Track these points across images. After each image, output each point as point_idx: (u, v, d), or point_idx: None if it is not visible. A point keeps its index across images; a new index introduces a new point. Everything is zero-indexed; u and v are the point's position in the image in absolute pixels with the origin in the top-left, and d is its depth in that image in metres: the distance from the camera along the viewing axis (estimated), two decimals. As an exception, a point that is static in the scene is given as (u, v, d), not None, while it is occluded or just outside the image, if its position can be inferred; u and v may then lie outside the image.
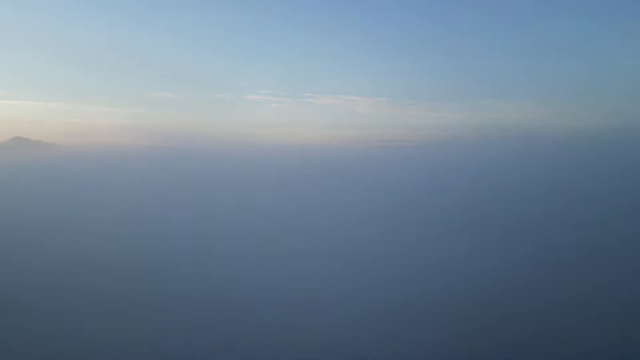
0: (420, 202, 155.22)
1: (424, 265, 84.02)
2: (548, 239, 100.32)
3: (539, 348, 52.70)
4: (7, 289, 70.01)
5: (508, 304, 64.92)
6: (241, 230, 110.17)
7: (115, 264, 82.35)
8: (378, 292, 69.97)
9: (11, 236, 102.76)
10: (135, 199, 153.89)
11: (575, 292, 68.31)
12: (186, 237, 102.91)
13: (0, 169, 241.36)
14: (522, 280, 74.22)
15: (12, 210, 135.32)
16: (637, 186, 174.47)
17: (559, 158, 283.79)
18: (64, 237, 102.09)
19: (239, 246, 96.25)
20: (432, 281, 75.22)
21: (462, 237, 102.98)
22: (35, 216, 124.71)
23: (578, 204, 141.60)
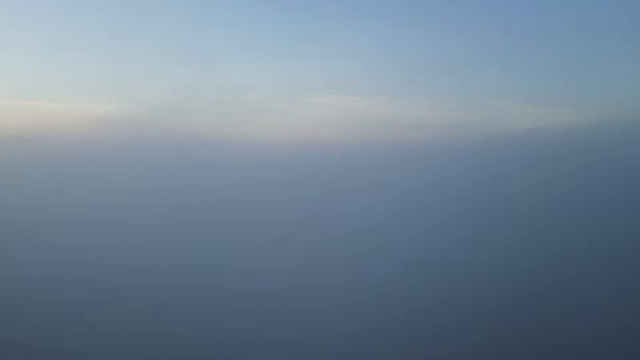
0: (421, 201, 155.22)
1: (425, 265, 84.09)
2: (550, 237, 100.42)
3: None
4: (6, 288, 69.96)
5: (517, 304, 64.89)
6: (240, 230, 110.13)
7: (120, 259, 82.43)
8: (380, 293, 69.97)
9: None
10: (131, 196, 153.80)
11: (582, 293, 68.33)
12: (186, 235, 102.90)
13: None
14: (527, 281, 74.19)
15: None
16: (637, 185, 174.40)
17: (558, 157, 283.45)
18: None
19: (239, 245, 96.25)
20: (433, 281, 75.25)
21: (462, 237, 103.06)
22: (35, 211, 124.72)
23: (578, 203, 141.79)
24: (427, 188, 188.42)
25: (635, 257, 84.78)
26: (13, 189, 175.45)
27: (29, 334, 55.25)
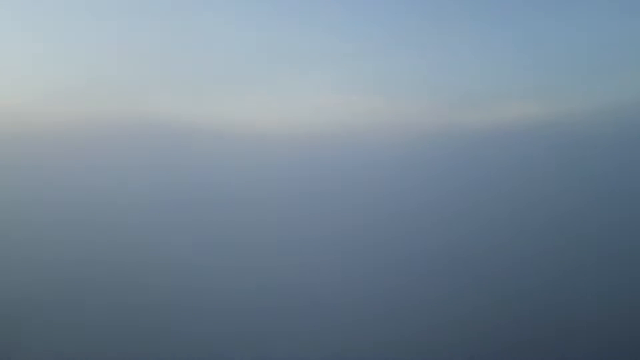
0: (421, 201, 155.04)
1: (425, 263, 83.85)
2: (552, 236, 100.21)
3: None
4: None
5: (515, 305, 64.58)
6: (240, 230, 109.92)
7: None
8: (379, 291, 69.66)
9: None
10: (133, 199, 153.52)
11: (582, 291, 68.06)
12: (185, 236, 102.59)
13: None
14: (528, 280, 73.92)
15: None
16: (636, 183, 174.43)
17: (559, 156, 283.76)
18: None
19: (239, 246, 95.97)
20: (433, 279, 74.96)
21: (463, 236, 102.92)
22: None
23: (578, 202, 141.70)
24: (427, 187, 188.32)
25: (633, 253, 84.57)
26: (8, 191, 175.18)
27: (29, 335, 54.85)
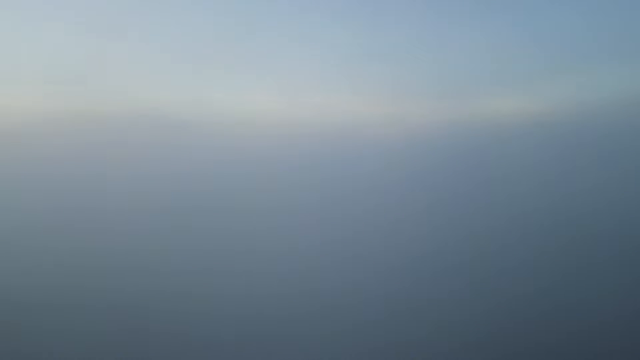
0: (421, 200, 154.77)
1: (426, 264, 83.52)
2: (551, 235, 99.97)
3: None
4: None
5: (512, 305, 64.31)
6: (239, 230, 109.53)
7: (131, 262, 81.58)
8: (381, 289, 69.31)
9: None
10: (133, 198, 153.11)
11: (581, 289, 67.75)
12: (184, 238, 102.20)
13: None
14: (527, 278, 73.63)
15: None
16: (636, 182, 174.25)
17: (558, 155, 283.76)
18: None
19: (238, 247, 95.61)
20: (433, 278, 74.63)
21: (463, 235, 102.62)
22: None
23: (578, 201, 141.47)
24: (427, 186, 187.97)
25: (633, 252, 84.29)
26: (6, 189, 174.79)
27: (29, 336, 54.49)
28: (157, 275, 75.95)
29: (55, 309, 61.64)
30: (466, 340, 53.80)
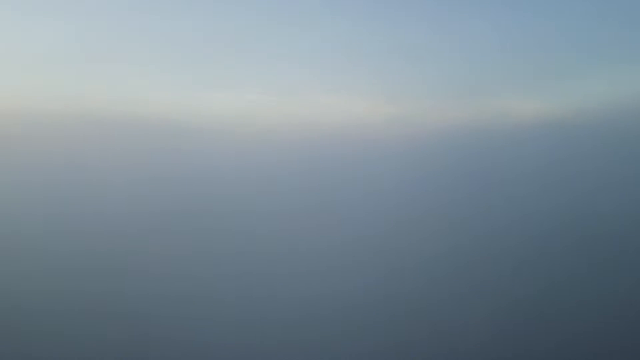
0: (421, 200, 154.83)
1: (427, 264, 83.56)
2: (549, 235, 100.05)
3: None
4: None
5: (511, 306, 64.27)
6: (239, 230, 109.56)
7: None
8: (381, 291, 69.26)
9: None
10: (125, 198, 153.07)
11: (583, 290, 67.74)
12: (183, 238, 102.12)
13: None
14: (527, 279, 73.65)
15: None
16: (636, 182, 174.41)
17: (558, 153, 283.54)
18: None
19: (239, 248, 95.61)
20: (434, 279, 74.62)
21: (463, 233, 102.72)
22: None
23: (578, 200, 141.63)
24: (427, 186, 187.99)
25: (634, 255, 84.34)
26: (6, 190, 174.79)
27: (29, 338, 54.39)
28: (158, 278, 75.92)
29: (56, 314, 61.56)
30: (470, 342, 53.81)
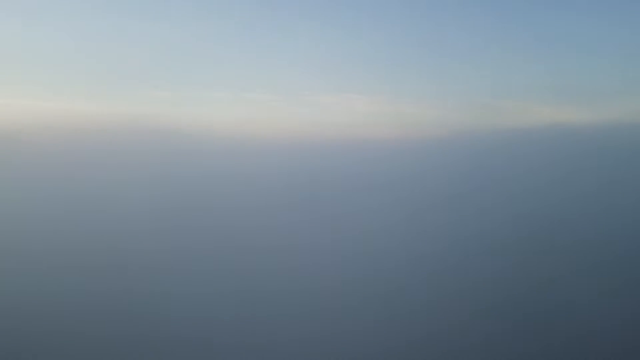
0: (420, 200, 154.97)
1: (425, 263, 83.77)
2: (548, 235, 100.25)
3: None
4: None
5: (508, 306, 64.50)
6: (240, 232, 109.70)
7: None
8: (382, 291, 69.46)
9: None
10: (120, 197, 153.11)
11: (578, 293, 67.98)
12: (183, 238, 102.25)
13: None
14: (528, 281, 73.86)
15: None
16: (635, 183, 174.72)
17: (557, 155, 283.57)
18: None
19: (239, 248, 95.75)
20: (433, 280, 74.80)
21: (461, 235, 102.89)
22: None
23: (577, 201, 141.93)
24: (427, 186, 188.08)
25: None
26: (6, 190, 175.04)
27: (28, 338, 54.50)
28: (158, 277, 76.09)
29: (56, 313, 61.75)
30: (466, 341, 54.04)
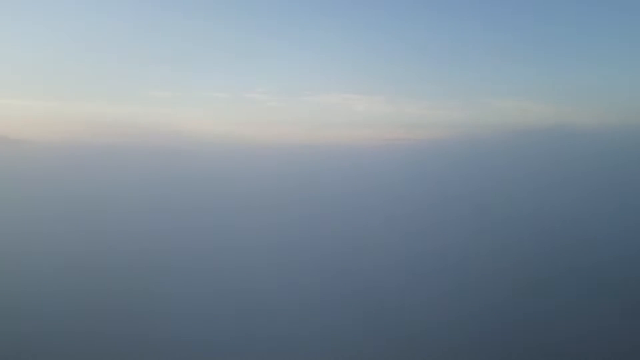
0: (419, 200, 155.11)
1: (424, 263, 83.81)
2: (547, 236, 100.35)
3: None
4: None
5: (508, 308, 64.53)
6: (240, 232, 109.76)
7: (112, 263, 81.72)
8: (379, 292, 69.52)
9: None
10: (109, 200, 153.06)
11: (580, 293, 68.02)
12: (183, 237, 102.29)
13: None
14: (527, 282, 73.89)
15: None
16: (635, 183, 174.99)
17: (557, 156, 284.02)
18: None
19: (239, 247, 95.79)
20: (432, 279, 74.82)
21: (461, 235, 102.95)
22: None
23: (576, 201, 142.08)
24: (426, 186, 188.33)
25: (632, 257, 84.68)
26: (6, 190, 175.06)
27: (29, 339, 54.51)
28: (157, 276, 76.10)
29: (56, 313, 61.76)
30: (463, 340, 54.10)
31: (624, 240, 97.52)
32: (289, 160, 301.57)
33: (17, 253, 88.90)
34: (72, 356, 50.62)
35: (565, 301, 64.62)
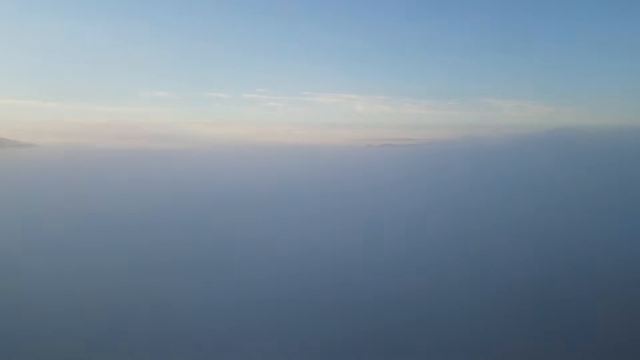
0: (419, 200, 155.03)
1: (424, 263, 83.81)
2: (546, 236, 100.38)
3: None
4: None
5: (507, 306, 64.54)
6: (239, 232, 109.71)
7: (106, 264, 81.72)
8: (378, 293, 69.51)
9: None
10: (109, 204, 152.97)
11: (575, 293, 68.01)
12: (184, 237, 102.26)
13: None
14: (522, 280, 73.93)
15: None
16: (635, 183, 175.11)
17: (557, 156, 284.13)
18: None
19: (239, 247, 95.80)
20: (430, 280, 74.83)
21: (460, 236, 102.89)
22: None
23: (575, 201, 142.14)
24: (425, 186, 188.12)
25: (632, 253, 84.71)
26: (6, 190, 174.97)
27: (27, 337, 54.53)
28: (157, 275, 76.09)
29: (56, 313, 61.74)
30: (462, 339, 54.14)
31: (624, 240, 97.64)
32: (289, 160, 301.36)
33: (17, 252, 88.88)
34: (74, 356, 50.68)
35: (565, 301, 64.68)
